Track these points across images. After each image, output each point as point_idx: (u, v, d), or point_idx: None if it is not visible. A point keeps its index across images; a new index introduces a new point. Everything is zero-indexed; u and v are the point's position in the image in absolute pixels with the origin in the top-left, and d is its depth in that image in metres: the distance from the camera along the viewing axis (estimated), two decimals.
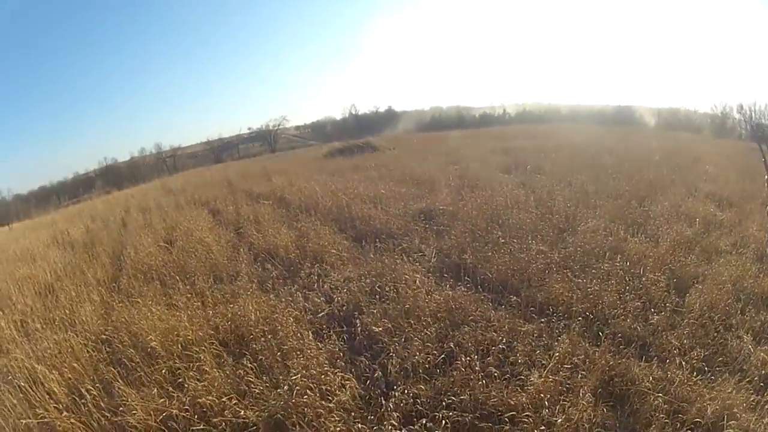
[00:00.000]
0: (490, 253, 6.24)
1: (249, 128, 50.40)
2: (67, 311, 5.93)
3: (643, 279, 5.55)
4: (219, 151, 45.72)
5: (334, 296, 5.27)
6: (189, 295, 5.50)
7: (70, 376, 4.38)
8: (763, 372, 4.12)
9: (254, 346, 4.38)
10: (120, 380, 4.17)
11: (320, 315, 4.89)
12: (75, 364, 4.53)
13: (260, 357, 4.22)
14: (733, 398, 3.72)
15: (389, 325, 4.58)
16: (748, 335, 4.66)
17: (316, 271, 6.01)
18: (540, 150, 15.91)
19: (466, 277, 5.64)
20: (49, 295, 6.90)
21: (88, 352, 4.79)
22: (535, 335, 4.54)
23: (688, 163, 13.96)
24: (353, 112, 52.24)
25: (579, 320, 4.69)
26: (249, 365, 4.05)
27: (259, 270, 6.23)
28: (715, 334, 4.66)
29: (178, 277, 6.09)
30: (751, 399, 3.79)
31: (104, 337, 5.05)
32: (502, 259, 6.02)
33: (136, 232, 9.30)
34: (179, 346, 4.44)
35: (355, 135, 26.59)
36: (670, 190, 10.14)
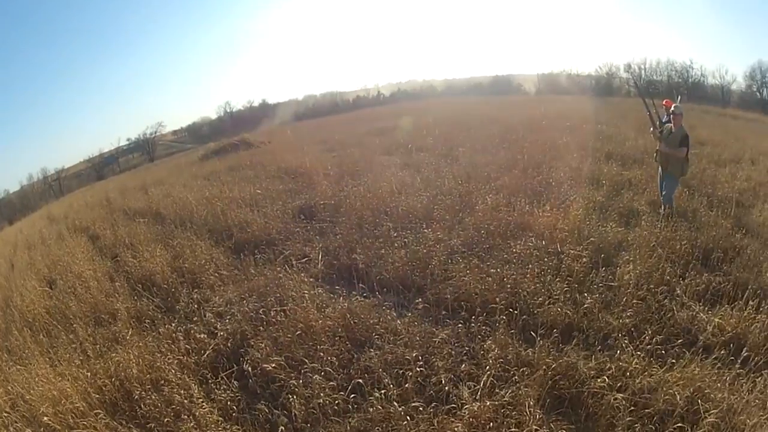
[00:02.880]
0: (383, 250, 5.53)
1: (128, 139, 49.22)
2: None
3: (562, 255, 4.93)
4: (101, 167, 44.18)
5: (218, 327, 4.49)
6: (73, 346, 4.67)
7: None
8: (722, 339, 3.71)
9: (142, 408, 3.62)
10: None
11: (205, 355, 4.13)
12: None
13: (149, 424, 3.48)
14: (699, 377, 3.23)
15: (282, 360, 3.84)
16: (697, 302, 4.18)
17: (195, 297, 5.19)
18: (419, 127, 15.29)
19: (360, 284, 4.93)
20: None
21: None
22: (454, 342, 3.85)
23: (578, 124, 13.49)
24: (228, 110, 52.26)
25: (503, 317, 4.00)
26: None
27: (136, 304, 5.35)
28: (658, 306, 4.10)
29: (59, 326, 5.18)
30: (718, 374, 3.34)
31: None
32: (398, 254, 5.31)
33: (21, 275, 7.92)
34: (70, 417, 3.61)
35: (232, 133, 25.64)
36: (566, 154, 9.56)
